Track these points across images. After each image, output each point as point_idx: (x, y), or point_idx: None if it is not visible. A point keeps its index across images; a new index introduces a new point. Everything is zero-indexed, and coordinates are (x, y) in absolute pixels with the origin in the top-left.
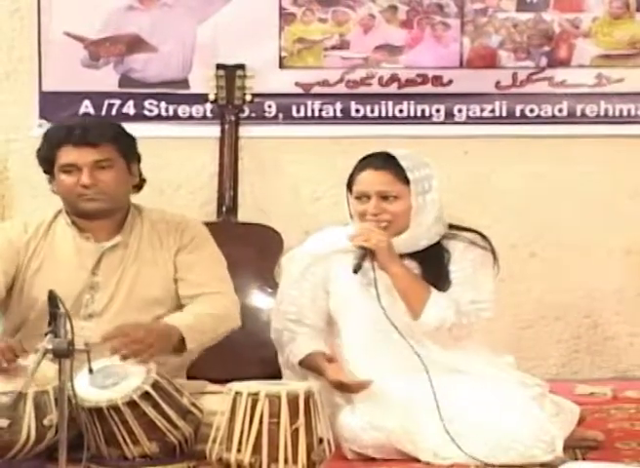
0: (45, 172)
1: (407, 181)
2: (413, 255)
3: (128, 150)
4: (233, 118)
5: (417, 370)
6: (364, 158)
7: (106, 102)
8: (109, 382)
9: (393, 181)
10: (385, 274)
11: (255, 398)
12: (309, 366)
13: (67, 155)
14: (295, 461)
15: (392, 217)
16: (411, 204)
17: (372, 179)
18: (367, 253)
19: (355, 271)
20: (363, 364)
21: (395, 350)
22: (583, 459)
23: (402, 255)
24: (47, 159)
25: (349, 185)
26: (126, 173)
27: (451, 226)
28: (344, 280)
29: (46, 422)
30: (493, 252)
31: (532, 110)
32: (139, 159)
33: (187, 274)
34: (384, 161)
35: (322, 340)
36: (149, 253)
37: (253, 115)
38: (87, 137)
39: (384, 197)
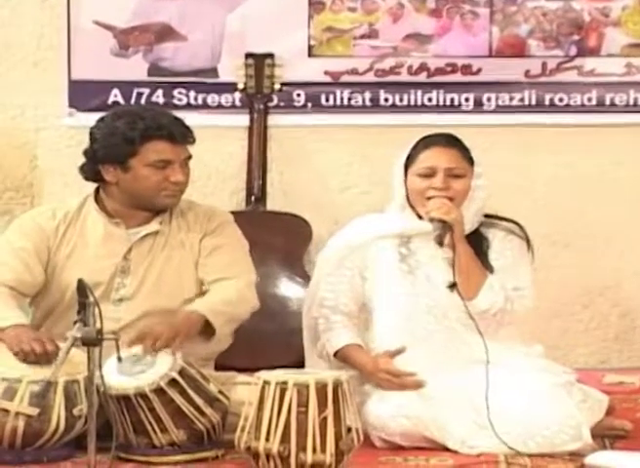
0: (101, 161)
1: (470, 162)
2: None
3: None
4: (262, 107)
5: (449, 359)
6: (424, 138)
7: (135, 91)
8: (137, 370)
9: (461, 159)
10: (424, 260)
11: (283, 387)
12: (345, 357)
13: (163, 151)
14: (323, 450)
15: (455, 195)
16: (471, 185)
17: (440, 156)
18: (447, 227)
19: (440, 243)
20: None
21: (429, 338)
22: (612, 448)
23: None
24: (126, 152)
25: (407, 164)
26: None
27: (486, 215)
28: (384, 266)
29: (76, 412)
30: (528, 241)
31: (561, 99)
32: None
33: (207, 259)
34: (450, 139)
35: (356, 330)
36: (178, 239)
37: (282, 104)
38: (186, 136)
39: (450, 174)
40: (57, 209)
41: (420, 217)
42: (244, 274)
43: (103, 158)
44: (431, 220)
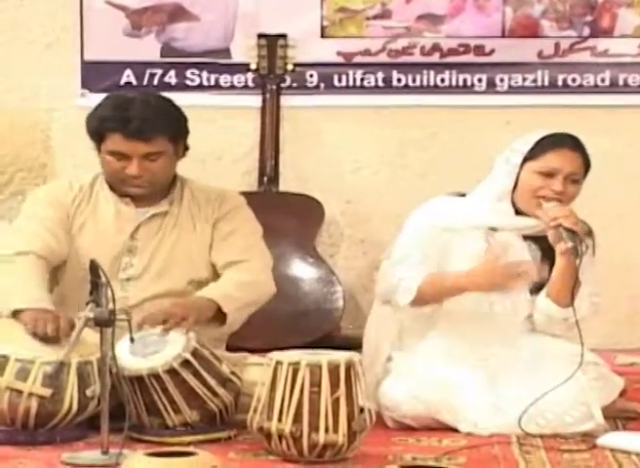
0: (92, 138)
1: (587, 168)
2: (536, 239)
3: (178, 135)
4: (275, 87)
5: (486, 347)
6: (551, 136)
7: (148, 72)
8: (150, 351)
9: (582, 165)
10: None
11: (296, 367)
12: (430, 282)
13: (118, 144)
14: (335, 430)
15: (566, 200)
16: (580, 191)
17: (567, 159)
18: (577, 238)
19: (576, 255)
20: (437, 333)
21: (480, 322)
22: (624, 430)
23: (527, 238)
24: (94, 135)
25: (526, 158)
26: (173, 157)
27: None
28: (469, 255)
29: (88, 393)
30: (594, 245)
31: (574, 80)
32: (187, 133)
33: (221, 243)
34: (577, 143)
35: None
36: (188, 221)
37: (294, 85)
38: (142, 133)
39: (569, 179)
40: (72, 181)
41: (516, 212)
42: (259, 257)
43: (91, 138)
44: (557, 227)
